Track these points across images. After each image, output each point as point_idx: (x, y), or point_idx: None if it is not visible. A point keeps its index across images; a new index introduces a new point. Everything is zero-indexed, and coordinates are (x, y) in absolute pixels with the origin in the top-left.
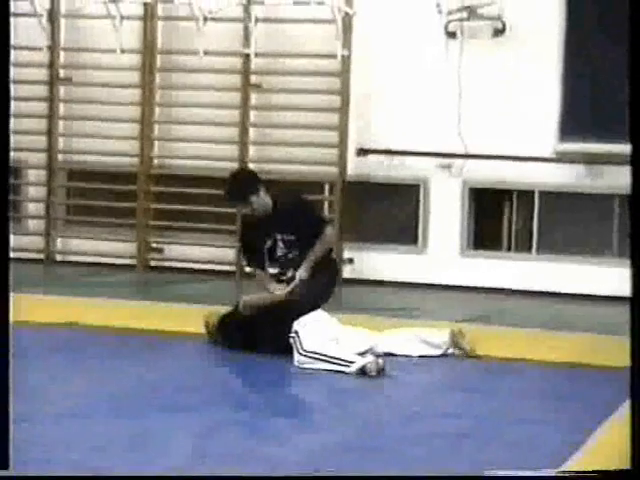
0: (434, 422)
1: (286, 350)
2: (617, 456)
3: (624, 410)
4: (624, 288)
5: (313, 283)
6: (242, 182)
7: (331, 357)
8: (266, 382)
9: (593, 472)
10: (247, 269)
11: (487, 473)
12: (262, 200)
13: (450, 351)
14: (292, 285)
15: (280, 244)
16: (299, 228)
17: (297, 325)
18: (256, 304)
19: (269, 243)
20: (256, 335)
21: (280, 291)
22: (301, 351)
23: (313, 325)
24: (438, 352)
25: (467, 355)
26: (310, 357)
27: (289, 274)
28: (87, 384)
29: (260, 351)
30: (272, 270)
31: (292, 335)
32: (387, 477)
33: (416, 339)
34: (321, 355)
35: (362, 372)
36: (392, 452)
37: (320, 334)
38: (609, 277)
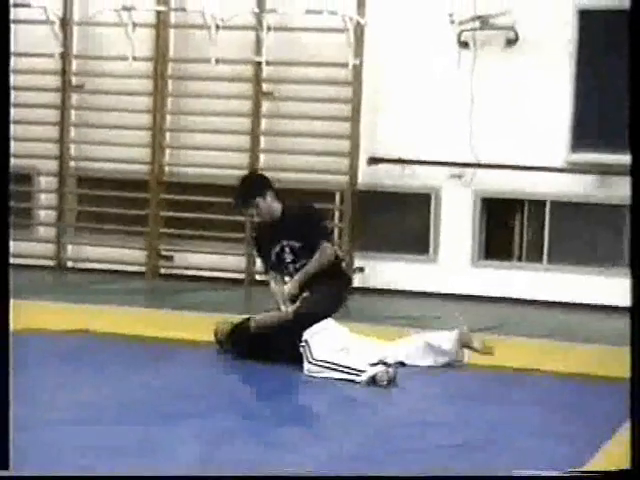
0: (442, 432)
1: (296, 360)
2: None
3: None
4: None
5: (323, 294)
6: (249, 185)
7: (341, 366)
8: (275, 390)
9: (593, 472)
10: (264, 276)
11: (487, 473)
12: (269, 205)
13: (460, 355)
14: (298, 303)
15: (287, 250)
16: (305, 235)
17: (307, 334)
18: (267, 324)
19: (277, 249)
20: (266, 346)
21: (289, 308)
22: (311, 359)
23: (323, 334)
24: (448, 358)
25: (480, 353)
26: (320, 366)
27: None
28: (95, 391)
29: (270, 360)
30: (283, 278)
31: (302, 344)
32: (387, 477)
33: (426, 347)
34: (331, 364)
35: (372, 381)
36: (400, 462)
37: (330, 343)
38: (620, 288)
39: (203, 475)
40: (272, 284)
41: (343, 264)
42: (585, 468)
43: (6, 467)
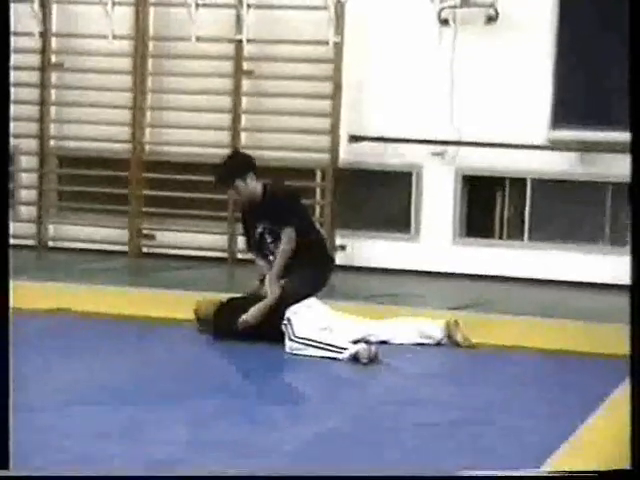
0: (426, 410)
1: (278, 338)
2: (607, 446)
3: (614, 398)
4: (616, 276)
5: (305, 274)
6: (230, 166)
7: (323, 343)
8: (257, 369)
9: (593, 472)
10: (248, 254)
11: (485, 472)
12: (249, 186)
13: (445, 341)
14: (278, 288)
15: (266, 233)
16: (278, 219)
17: (289, 312)
18: (253, 320)
19: (259, 229)
20: (251, 326)
21: (271, 295)
22: (292, 337)
23: (305, 312)
24: (432, 342)
25: (461, 345)
26: (302, 343)
27: None
28: (78, 371)
29: (252, 339)
30: (265, 257)
31: (284, 322)
32: (387, 477)
33: (411, 328)
34: (313, 341)
35: (354, 359)
36: (385, 441)
37: (312, 321)
38: (601, 265)
39: (202, 475)
40: (257, 261)
41: (326, 243)
42: (569, 441)
43: (6, 467)
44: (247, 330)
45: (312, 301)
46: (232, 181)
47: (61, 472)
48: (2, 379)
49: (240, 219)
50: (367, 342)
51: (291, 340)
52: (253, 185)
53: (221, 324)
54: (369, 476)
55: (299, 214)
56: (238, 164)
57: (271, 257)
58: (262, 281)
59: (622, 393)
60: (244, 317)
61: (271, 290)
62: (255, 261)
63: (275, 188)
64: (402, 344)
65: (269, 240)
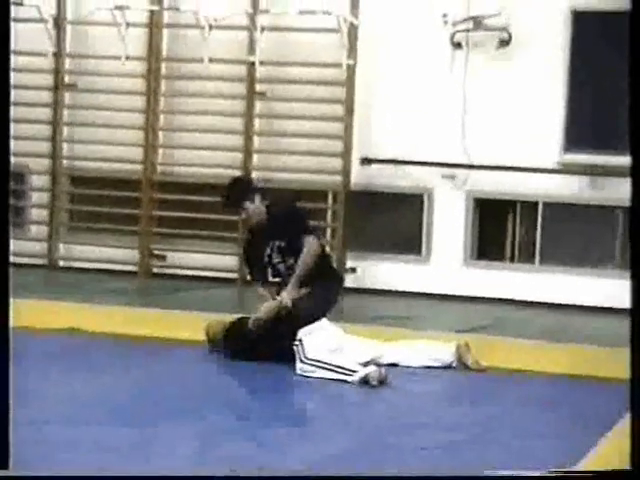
0: (435, 433)
1: (288, 359)
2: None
3: (623, 423)
4: (626, 300)
5: (314, 293)
6: (239, 189)
7: (333, 365)
8: (267, 390)
9: (593, 472)
10: (252, 281)
11: (487, 473)
12: (257, 207)
13: (455, 365)
14: (292, 294)
15: (275, 251)
16: (289, 234)
17: (301, 333)
18: (264, 318)
19: (268, 251)
20: (259, 346)
21: (284, 301)
22: (303, 359)
23: (316, 334)
24: (442, 365)
25: (471, 369)
26: (312, 365)
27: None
28: (87, 390)
29: (262, 360)
30: (273, 279)
31: (296, 343)
32: (387, 477)
33: (421, 351)
34: (323, 363)
35: (364, 381)
36: (393, 462)
37: (323, 343)
38: (611, 289)
39: (204, 475)
40: (260, 290)
41: (332, 261)
42: (577, 468)
43: (6, 467)
44: (255, 343)
45: (324, 322)
46: (243, 204)
47: (61, 472)
48: (2, 379)
49: (243, 250)
50: (377, 364)
51: (301, 362)
52: (261, 206)
53: (231, 344)
54: (369, 476)
55: (309, 227)
56: (246, 187)
57: (278, 279)
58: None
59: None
60: (256, 315)
61: (289, 294)
62: (258, 291)
63: (278, 206)
64: (412, 367)
65: (277, 260)
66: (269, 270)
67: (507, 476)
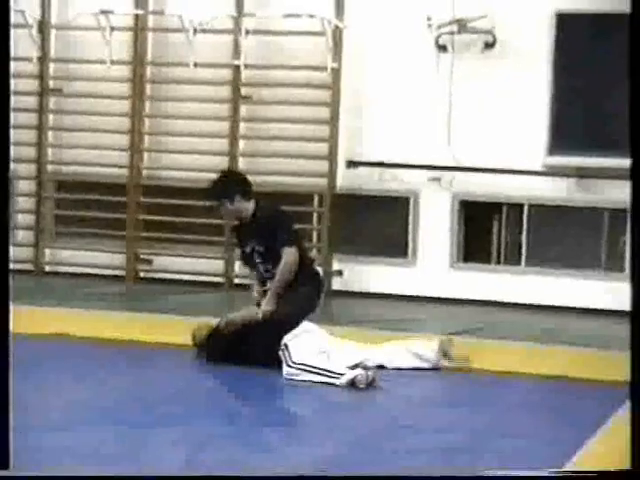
0: (424, 435)
1: (273, 363)
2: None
3: (611, 424)
4: (612, 302)
5: (296, 296)
6: (218, 186)
7: (320, 369)
8: (255, 394)
9: (593, 472)
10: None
11: (487, 473)
12: (236, 207)
13: (441, 362)
14: (267, 308)
15: (255, 254)
16: (269, 240)
17: (287, 338)
18: (238, 322)
19: (248, 249)
20: (241, 350)
21: (260, 312)
22: (290, 363)
23: (302, 337)
24: (429, 365)
25: (456, 364)
26: (299, 369)
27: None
28: (74, 395)
29: (245, 364)
30: (256, 275)
31: (282, 348)
32: (387, 477)
33: (407, 352)
34: (310, 367)
35: (352, 384)
36: (382, 465)
37: (309, 346)
38: (597, 291)
39: (202, 475)
40: (250, 276)
41: (315, 266)
42: (566, 469)
43: (6, 467)
44: (239, 347)
45: (309, 326)
46: (219, 202)
47: (61, 472)
48: (2, 380)
49: (234, 234)
50: (364, 367)
51: (288, 366)
52: (241, 206)
53: (214, 348)
54: (370, 476)
55: (290, 234)
56: (225, 185)
57: (262, 276)
58: (259, 306)
59: (619, 420)
60: (230, 317)
61: (266, 303)
62: (249, 277)
63: (266, 208)
64: (398, 368)
65: (258, 260)
66: (252, 264)
67: (507, 476)
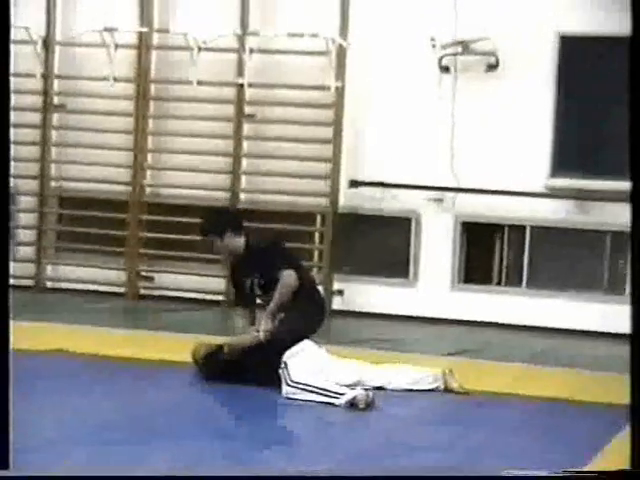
0: (421, 456)
1: (272, 382)
2: None
3: (609, 448)
4: (613, 324)
5: (296, 316)
6: (208, 223)
7: (320, 388)
8: (254, 413)
9: (593, 472)
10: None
11: (486, 473)
12: (226, 244)
13: (440, 388)
14: (267, 327)
15: (256, 285)
16: (266, 271)
17: (286, 356)
18: (240, 348)
19: (248, 283)
20: (241, 369)
21: (261, 333)
22: (289, 382)
23: (302, 356)
24: (427, 388)
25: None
26: (298, 388)
27: None
28: (74, 412)
29: (245, 383)
30: (255, 311)
31: (281, 367)
32: (387, 477)
33: (406, 375)
34: (309, 386)
35: (351, 404)
36: (372, 474)
37: (308, 365)
38: (599, 313)
39: (202, 475)
40: (240, 315)
41: (317, 288)
42: None
43: (6, 467)
44: (238, 366)
45: (308, 345)
46: (208, 238)
47: (61, 472)
48: (2, 380)
49: (229, 271)
50: (364, 388)
51: (288, 385)
52: (232, 242)
53: (207, 368)
54: (369, 476)
55: (288, 259)
56: (216, 223)
57: (260, 306)
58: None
59: (617, 444)
60: (231, 342)
61: (264, 323)
62: (239, 314)
63: (258, 242)
64: (397, 389)
65: (258, 293)
66: (252, 301)
67: (508, 476)
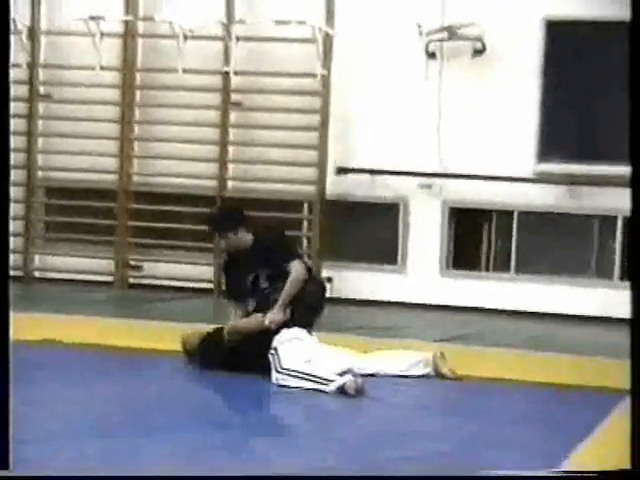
0: (414, 443)
1: (267, 370)
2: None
3: (600, 431)
4: (602, 308)
5: (305, 307)
6: (224, 219)
7: (309, 375)
8: (245, 401)
9: (593, 472)
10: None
11: (486, 473)
12: (239, 239)
13: (431, 374)
14: (278, 317)
15: (262, 278)
16: (276, 263)
17: (276, 342)
18: (241, 331)
19: (251, 277)
20: (238, 357)
21: (268, 320)
22: (279, 368)
23: (292, 343)
24: (418, 374)
25: (447, 378)
26: (288, 375)
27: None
28: (63, 402)
29: (240, 371)
30: (252, 304)
31: (271, 352)
32: (387, 477)
33: (397, 361)
34: (299, 373)
35: (341, 391)
36: (372, 474)
37: (298, 352)
38: (587, 297)
39: (202, 475)
40: (235, 313)
41: (315, 274)
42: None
43: (6, 467)
44: (233, 353)
45: (298, 331)
46: (225, 234)
47: (61, 472)
48: (2, 379)
49: (222, 268)
50: (354, 375)
51: (277, 371)
52: (244, 237)
53: (206, 355)
54: (369, 476)
55: (295, 250)
56: (232, 219)
57: (260, 302)
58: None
59: (608, 426)
60: (233, 325)
61: (276, 313)
62: (232, 313)
63: (265, 234)
64: (388, 376)
65: (264, 286)
66: (251, 295)
67: (506, 476)
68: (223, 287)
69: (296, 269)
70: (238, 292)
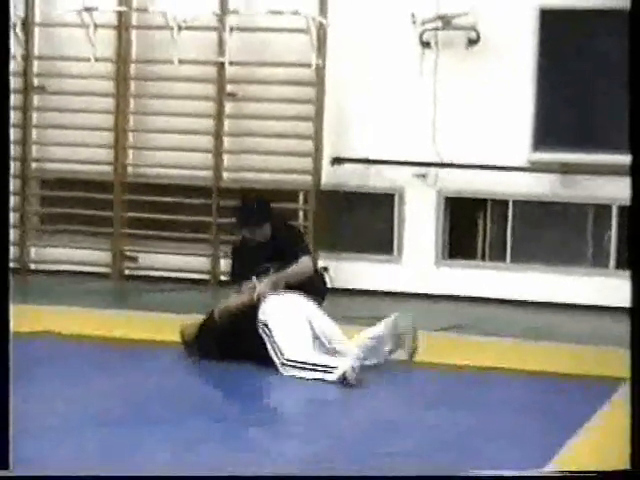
0: (411, 433)
1: (266, 359)
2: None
3: (596, 420)
4: (598, 297)
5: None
6: (261, 211)
7: (313, 364)
8: (244, 392)
9: (593, 472)
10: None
11: (484, 473)
12: (262, 231)
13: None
14: (263, 289)
15: (272, 271)
16: (287, 256)
17: (264, 314)
18: (232, 311)
19: (262, 269)
20: (232, 337)
21: (255, 292)
22: (283, 360)
23: (285, 320)
24: (386, 347)
25: (409, 355)
26: (293, 367)
27: None
28: (60, 394)
29: (238, 359)
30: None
31: (262, 326)
32: (387, 477)
33: (368, 344)
34: (304, 364)
35: (343, 379)
36: (369, 465)
37: (299, 338)
38: (583, 286)
39: (202, 475)
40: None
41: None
42: (550, 466)
43: (6, 467)
44: (232, 342)
45: (294, 297)
46: (262, 225)
47: (61, 472)
48: (2, 379)
49: (235, 253)
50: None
51: (282, 364)
52: (266, 230)
53: (202, 341)
54: (369, 476)
55: (307, 244)
56: (263, 212)
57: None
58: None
59: (604, 415)
60: (224, 304)
61: (263, 285)
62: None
63: (281, 227)
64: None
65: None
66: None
67: (503, 476)
68: (229, 270)
69: (304, 263)
70: (244, 279)
